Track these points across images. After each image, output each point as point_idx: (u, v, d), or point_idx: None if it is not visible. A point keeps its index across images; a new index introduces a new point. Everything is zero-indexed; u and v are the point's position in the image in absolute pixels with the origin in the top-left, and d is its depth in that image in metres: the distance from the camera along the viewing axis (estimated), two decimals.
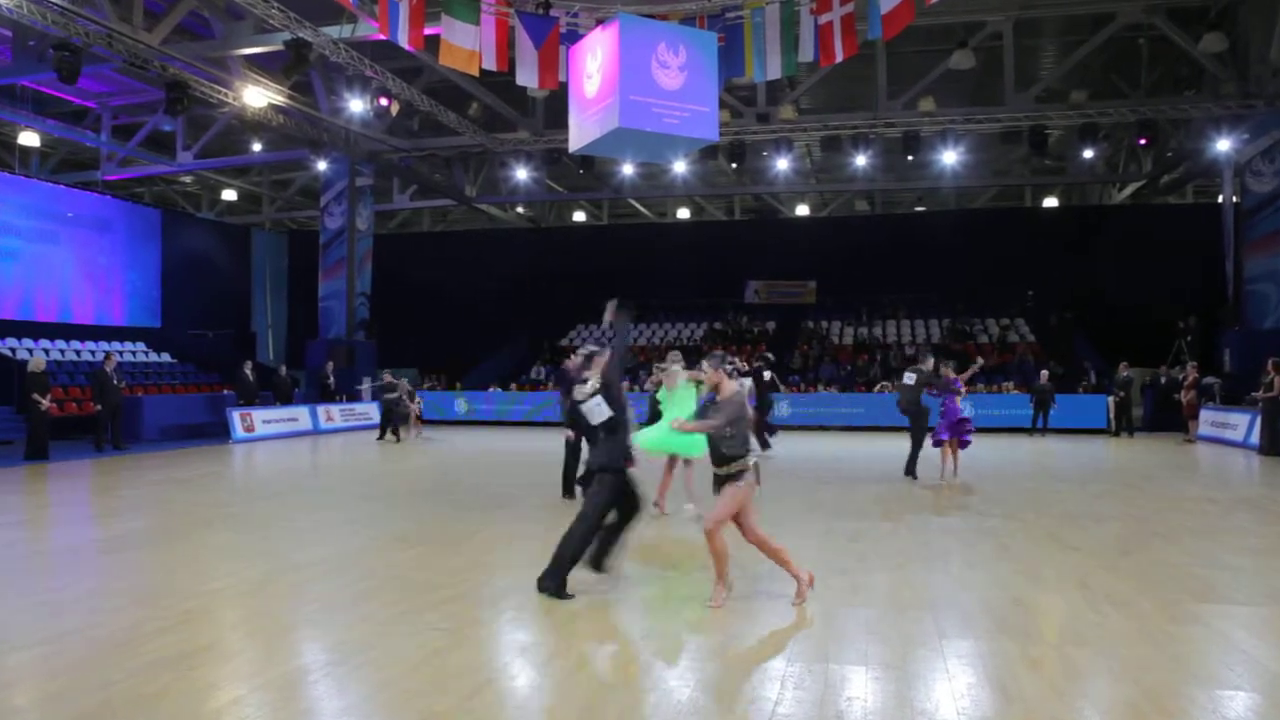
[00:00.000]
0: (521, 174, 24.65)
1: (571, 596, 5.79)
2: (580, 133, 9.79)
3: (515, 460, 15.46)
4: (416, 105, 20.29)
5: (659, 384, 9.03)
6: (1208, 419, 18.78)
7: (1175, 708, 4.02)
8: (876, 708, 4.01)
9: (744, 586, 6.15)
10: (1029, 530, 8.38)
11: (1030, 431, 20.37)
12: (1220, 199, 23.33)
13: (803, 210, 33.49)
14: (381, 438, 19.05)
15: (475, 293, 31.06)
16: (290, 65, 16.37)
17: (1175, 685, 4.31)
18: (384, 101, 18.74)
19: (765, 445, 14.44)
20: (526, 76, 12.14)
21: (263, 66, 19.75)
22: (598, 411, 5.87)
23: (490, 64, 12.11)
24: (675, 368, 8.77)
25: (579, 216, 35.86)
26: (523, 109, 23.16)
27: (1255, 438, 16.28)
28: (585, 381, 6.03)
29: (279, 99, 19.82)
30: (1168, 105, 20.95)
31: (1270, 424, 15.69)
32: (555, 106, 21.31)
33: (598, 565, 6.05)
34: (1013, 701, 4.08)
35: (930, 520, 8.86)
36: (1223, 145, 20.78)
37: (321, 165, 23.93)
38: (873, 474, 13.06)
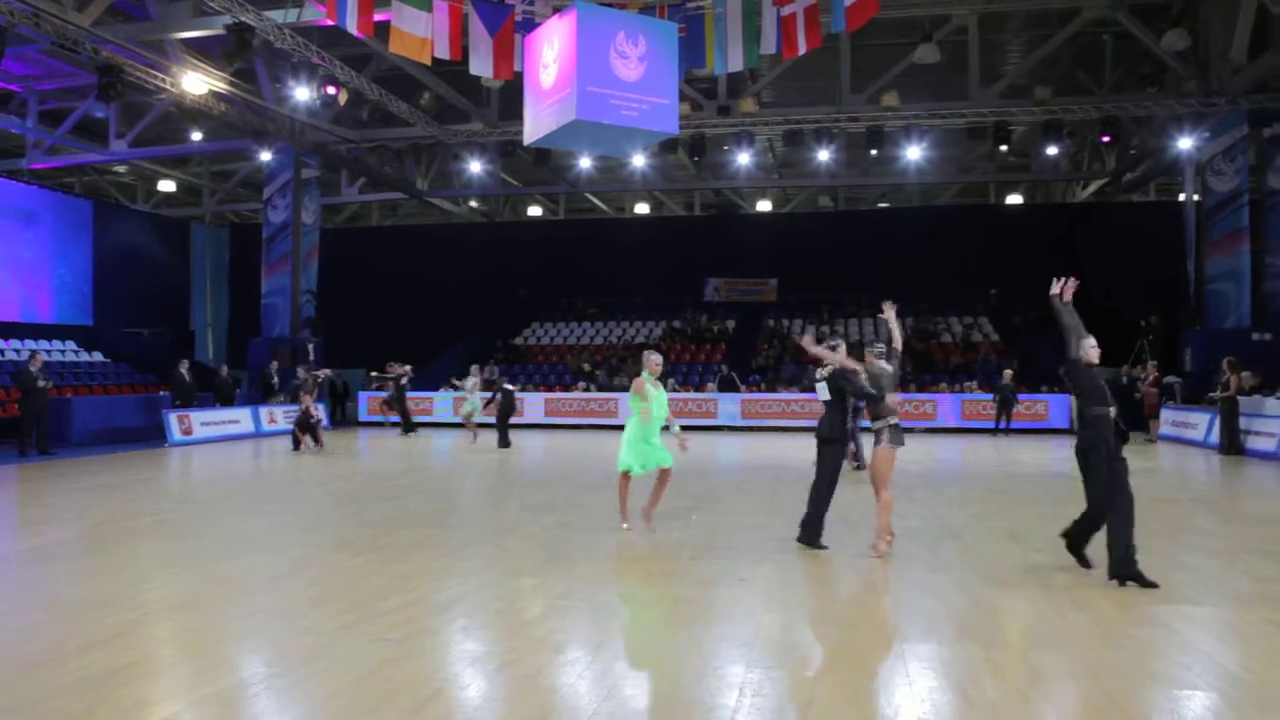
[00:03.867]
0: (475, 167, 24.51)
1: (825, 548, 7.44)
2: (536, 125, 9.74)
3: (468, 463, 15.36)
4: (365, 94, 20.07)
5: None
6: (1169, 418, 19.25)
7: (1136, 710, 4.11)
8: (837, 713, 4.04)
9: (702, 593, 6.17)
10: (992, 532, 8.51)
11: (993, 432, 20.71)
12: (1182, 198, 23.89)
13: (764, 206, 33.69)
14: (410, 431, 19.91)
15: (427, 289, 30.80)
16: (232, 50, 16.10)
17: (1136, 687, 4.40)
18: (331, 90, 18.52)
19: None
20: (480, 66, 12.04)
21: (203, 51, 19.42)
22: (820, 391, 7.84)
23: (443, 52, 12.01)
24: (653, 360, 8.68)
25: (534, 211, 35.73)
26: (477, 100, 23.03)
27: (1215, 437, 16.71)
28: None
29: (220, 86, 19.49)
30: (1130, 102, 21.41)
31: (1228, 423, 16.11)
32: (510, 97, 21.23)
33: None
34: (975, 706, 4.13)
35: (892, 522, 8.94)
36: (1184, 143, 21.28)
37: (265, 156, 23.58)
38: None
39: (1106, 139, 22.27)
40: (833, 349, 7.84)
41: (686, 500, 10.58)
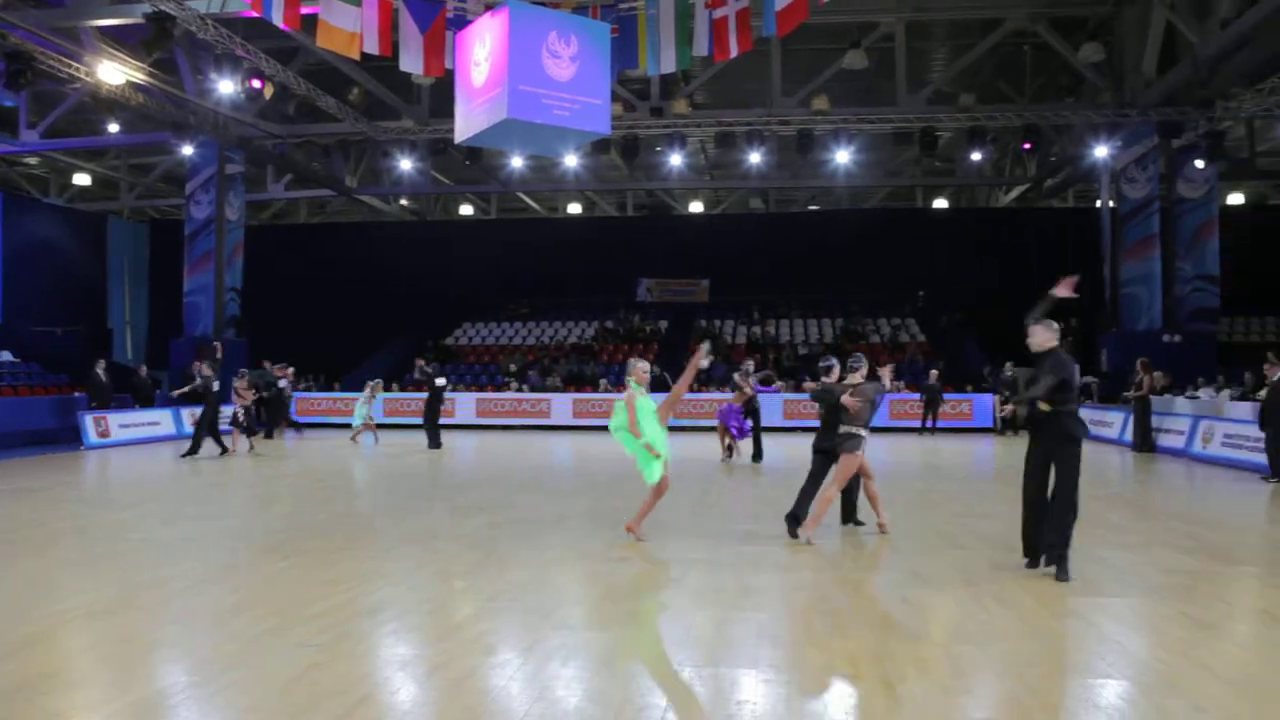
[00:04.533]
0: (405, 164, 24.16)
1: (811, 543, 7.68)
2: (467, 123, 9.65)
3: (398, 464, 15.16)
4: (292, 89, 19.65)
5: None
6: (1086, 417, 19.85)
7: (1054, 699, 4.24)
8: (766, 711, 4.09)
9: (634, 593, 6.19)
10: (918, 529, 8.70)
11: (920, 431, 21.17)
12: (1099, 204, 24.73)
13: (696, 207, 33.92)
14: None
15: (355, 288, 30.31)
16: (151, 40, 15.61)
17: (1054, 677, 4.55)
18: (256, 84, 18.07)
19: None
20: (411, 62, 11.89)
21: (120, 40, 18.80)
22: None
23: (372, 48, 11.82)
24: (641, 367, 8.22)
25: (466, 210, 35.43)
26: (407, 96, 22.74)
27: (1129, 435, 17.35)
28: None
29: (139, 76, 18.89)
30: (1050, 111, 22.10)
31: (1141, 422, 16.74)
32: (442, 94, 21.00)
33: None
34: (900, 701, 4.22)
35: (820, 521, 9.08)
36: (1100, 152, 22.03)
37: (187, 150, 22.88)
38: (763, 475, 13.32)
39: (1027, 146, 22.94)
40: (854, 369, 8.56)
41: (619, 501, 10.60)
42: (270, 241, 30.57)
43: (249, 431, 17.11)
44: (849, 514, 8.94)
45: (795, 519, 8.16)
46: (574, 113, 9.30)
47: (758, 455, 14.78)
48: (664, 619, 5.56)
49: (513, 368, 25.91)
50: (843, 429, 8.18)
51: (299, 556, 7.38)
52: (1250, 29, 16.54)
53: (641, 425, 7.79)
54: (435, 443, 17.49)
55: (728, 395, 15.85)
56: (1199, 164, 21.35)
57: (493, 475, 13.84)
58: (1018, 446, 18.04)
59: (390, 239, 32.41)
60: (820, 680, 4.51)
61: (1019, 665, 4.70)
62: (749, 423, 14.62)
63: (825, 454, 8.42)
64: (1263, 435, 12.62)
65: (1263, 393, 13.06)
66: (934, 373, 21.71)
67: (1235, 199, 30.06)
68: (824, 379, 8.67)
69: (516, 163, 26.41)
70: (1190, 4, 18.11)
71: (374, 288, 30.33)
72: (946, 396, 21.60)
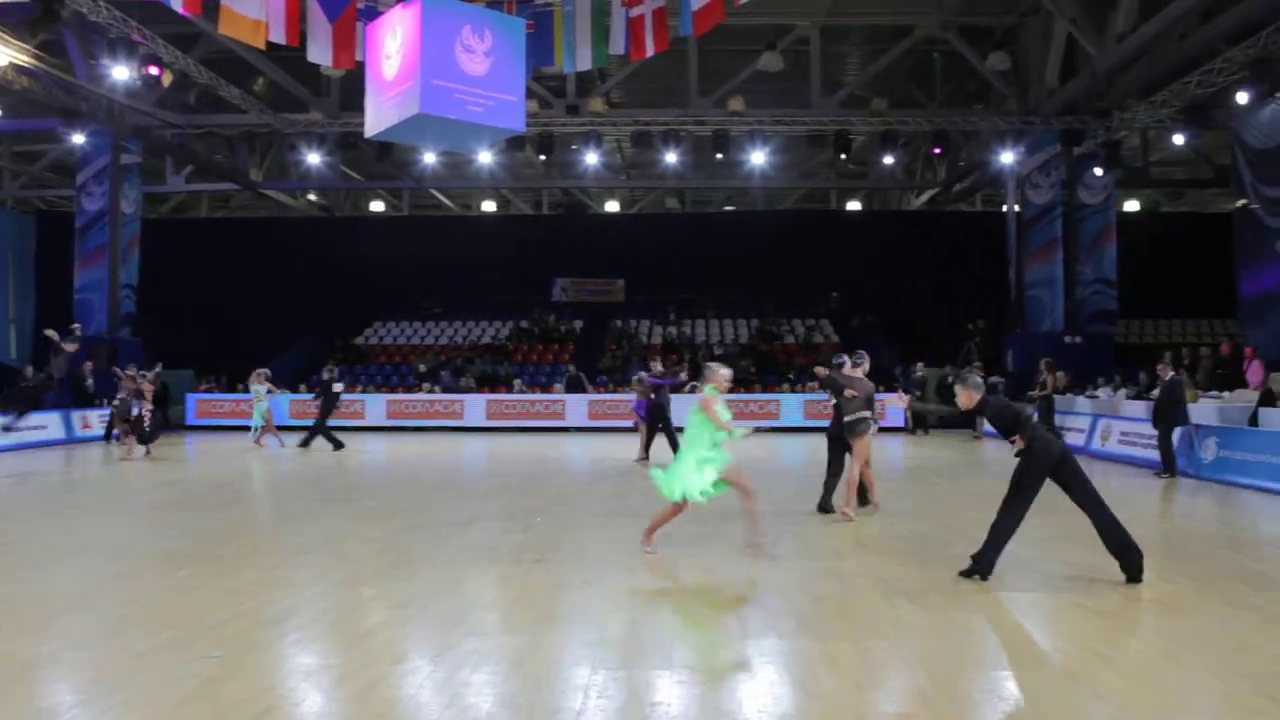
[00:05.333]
0: (314, 158, 23.57)
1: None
2: (378, 117, 9.47)
3: (303, 468, 14.80)
4: (193, 77, 19.02)
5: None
6: None
7: (959, 692, 4.37)
8: (680, 711, 4.11)
9: (547, 596, 6.16)
10: (831, 529, 8.86)
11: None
12: (1005, 209, 25.61)
13: (612, 206, 33.97)
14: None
15: (260, 286, 29.45)
16: (37, 20, 14.91)
17: (960, 671, 4.68)
18: (154, 70, 17.42)
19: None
20: (319, 53, 11.60)
21: (1, 20, 17.90)
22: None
23: (278, 37, 11.49)
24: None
25: (377, 206, 34.81)
26: (316, 88, 22.23)
27: None
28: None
29: (23, 59, 17.99)
30: (959, 117, 22.79)
31: (1044, 420, 17.36)
32: (352, 87, 20.60)
33: None
34: (812, 698, 4.29)
35: (736, 521, 9.19)
36: (1006, 158, 22.80)
37: (78, 138, 21.92)
38: None
39: (937, 151, 23.62)
40: (857, 365, 9.45)
41: (532, 503, 10.55)
42: (169, 236, 29.46)
43: (150, 436, 16.46)
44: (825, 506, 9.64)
45: (824, 509, 9.38)
46: (488, 109, 9.21)
47: (645, 455, 14.84)
48: (578, 621, 5.55)
49: (424, 368, 25.55)
50: (848, 416, 9.11)
51: (197, 565, 7.13)
52: (1144, 43, 17.33)
53: (699, 438, 7.37)
54: (336, 444, 17.17)
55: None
56: (1098, 171, 22.28)
57: (403, 478, 13.62)
58: (928, 446, 18.57)
59: (297, 235, 31.59)
60: (734, 679, 4.55)
61: (927, 660, 4.82)
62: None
63: (836, 440, 9.46)
64: (1155, 433, 13.22)
65: (1156, 392, 13.68)
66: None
67: (1131, 206, 31.45)
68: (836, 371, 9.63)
69: (429, 159, 26.02)
70: (1090, 17, 18.88)
71: (280, 286, 29.53)
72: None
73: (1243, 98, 17.31)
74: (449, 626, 5.46)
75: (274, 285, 29.50)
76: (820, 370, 10.42)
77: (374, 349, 28.36)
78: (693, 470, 7.20)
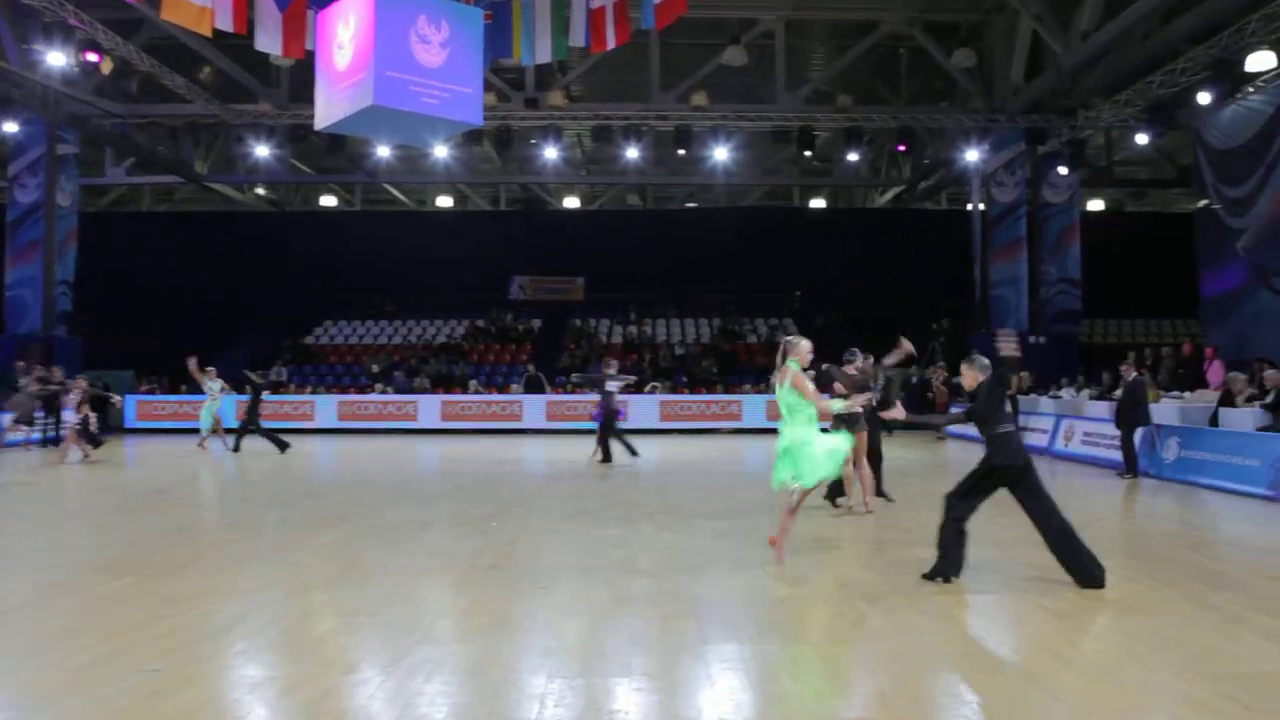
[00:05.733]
0: (262, 151, 23.29)
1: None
2: (329, 109, 9.36)
3: (249, 471, 14.61)
4: (134, 64, 18.68)
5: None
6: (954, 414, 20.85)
7: (921, 695, 4.42)
8: (639, 719, 4.12)
9: (502, 602, 6.14)
10: (794, 531, 8.89)
11: None
12: (970, 207, 25.96)
13: (572, 203, 33.95)
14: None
15: (206, 283, 29.06)
16: None
17: (921, 673, 4.74)
18: (92, 57, 17.10)
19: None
20: (268, 42, 11.43)
21: None
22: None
23: (225, 24, 11.31)
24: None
25: (328, 201, 34.48)
26: (265, 78, 21.97)
27: None
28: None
29: None
30: (924, 114, 23.06)
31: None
32: (302, 77, 20.37)
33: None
34: (773, 703, 4.32)
35: (696, 524, 9.24)
36: (971, 156, 23.12)
37: (10, 127, 21.42)
38: (636, 478, 13.43)
39: (902, 148, 23.87)
40: (849, 361, 10.05)
41: (488, 506, 10.51)
42: (109, 231, 28.99)
43: (92, 440, 16.16)
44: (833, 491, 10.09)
45: (834, 502, 9.97)
46: (444, 101, 9.14)
47: (606, 457, 15.07)
48: (534, 628, 5.53)
49: (377, 368, 25.35)
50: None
51: (137, 574, 7.01)
52: (1108, 42, 17.67)
53: (798, 414, 7.23)
54: (282, 445, 16.98)
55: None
56: (1062, 170, 22.67)
57: (354, 482, 13.50)
58: (891, 446, 18.75)
59: (245, 230, 31.22)
60: (694, 686, 4.57)
61: (889, 663, 4.88)
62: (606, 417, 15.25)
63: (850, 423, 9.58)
64: (1118, 433, 13.48)
65: (1118, 392, 13.95)
66: (810, 373, 22.29)
67: (1095, 205, 32.05)
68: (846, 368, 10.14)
69: (383, 152, 25.85)
70: (1055, 15, 19.20)
71: (226, 283, 29.15)
72: (824, 397, 22.21)
73: (1204, 98, 17.73)
74: (401, 634, 5.42)
75: (220, 282, 29.11)
76: (825, 368, 10.45)
77: (324, 349, 28.06)
78: (823, 451, 7.13)
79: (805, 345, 7.52)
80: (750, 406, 23.15)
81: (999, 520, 9.56)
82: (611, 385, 15.00)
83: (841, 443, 7.32)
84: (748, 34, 21.22)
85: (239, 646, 5.24)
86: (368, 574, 6.98)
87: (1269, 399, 12.35)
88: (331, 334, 29.20)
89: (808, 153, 23.19)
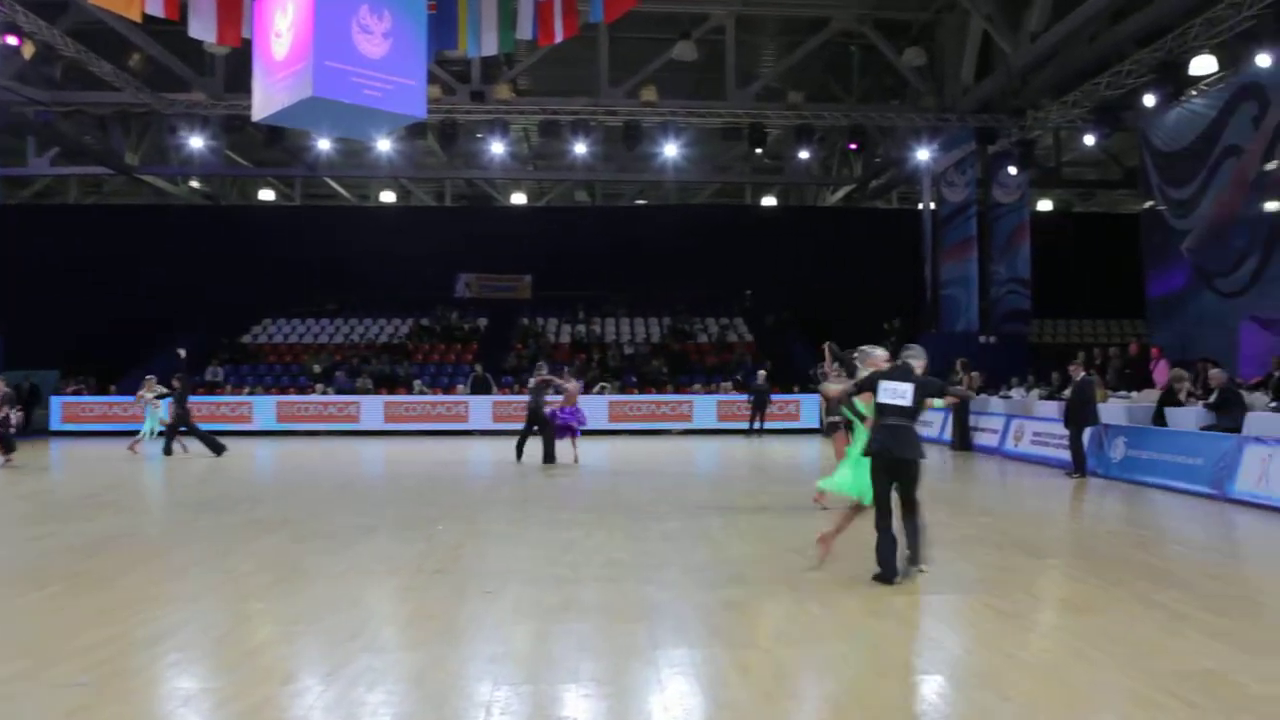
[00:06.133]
0: (196, 142, 22.83)
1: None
2: (266, 99, 9.20)
3: (184, 475, 14.32)
4: (59, 49, 18.20)
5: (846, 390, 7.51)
6: None
7: (873, 698, 4.47)
8: None
9: (447, 608, 6.09)
10: (744, 533, 8.97)
11: (748, 432, 21.87)
12: (920, 206, 26.35)
13: (519, 199, 33.81)
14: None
15: (137, 279, 28.40)
16: None
17: (872, 676, 4.79)
18: (12, 40, 16.63)
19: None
20: (201, 29, 11.18)
21: None
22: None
23: (155, 9, 11.01)
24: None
25: (266, 195, 33.95)
26: (199, 66, 21.55)
27: (948, 434, 18.55)
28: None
29: None
30: (875, 113, 23.34)
31: (960, 421, 17.94)
32: (238, 65, 20.00)
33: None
34: (723, 708, 4.34)
35: (647, 527, 9.25)
36: (922, 155, 23.46)
37: None
38: (585, 480, 13.42)
39: (853, 146, 24.16)
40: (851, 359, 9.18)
41: (433, 510, 10.43)
42: (33, 224, 28.24)
43: (6, 444, 15.71)
44: None
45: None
46: (386, 94, 9.03)
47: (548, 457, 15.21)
48: (480, 635, 5.50)
49: (317, 368, 25.01)
50: (828, 418, 9.55)
51: (62, 584, 6.84)
52: (1057, 43, 18.04)
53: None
54: (217, 448, 16.67)
55: (555, 399, 15.81)
56: (1012, 170, 23.10)
57: (295, 485, 13.31)
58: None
59: (178, 225, 30.60)
60: (643, 692, 4.57)
61: (840, 666, 4.93)
62: (569, 419, 15.26)
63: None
64: (1067, 433, 13.77)
65: (1067, 392, 14.25)
66: (761, 373, 22.50)
67: (1044, 205, 32.71)
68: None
69: (324, 145, 25.50)
70: (1005, 15, 19.57)
71: (159, 279, 28.53)
72: (774, 397, 22.41)
73: (1150, 100, 18.19)
74: (342, 642, 5.35)
75: (152, 279, 28.49)
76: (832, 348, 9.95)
77: (263, 348, 27.62)
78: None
79: (879, 354, 7.42)
80: (701, 407, 23.25)
81: (952, 522, 9.72)
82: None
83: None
84: (698, 29, 21.30)
85: (172, 658, 5.14)
86: (308, 580, 6.89)
87: (1213, 398, 12.70)
88: (270, 333, 28.74)
89: (759, 150, 23.35)
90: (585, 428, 15.61)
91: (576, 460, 15.35)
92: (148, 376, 18.08)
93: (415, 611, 6.09)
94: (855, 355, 8.11)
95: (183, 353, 17.30)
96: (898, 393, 6.62)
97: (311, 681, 4.72)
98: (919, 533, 6.74)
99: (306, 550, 8.08)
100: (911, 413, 6.67)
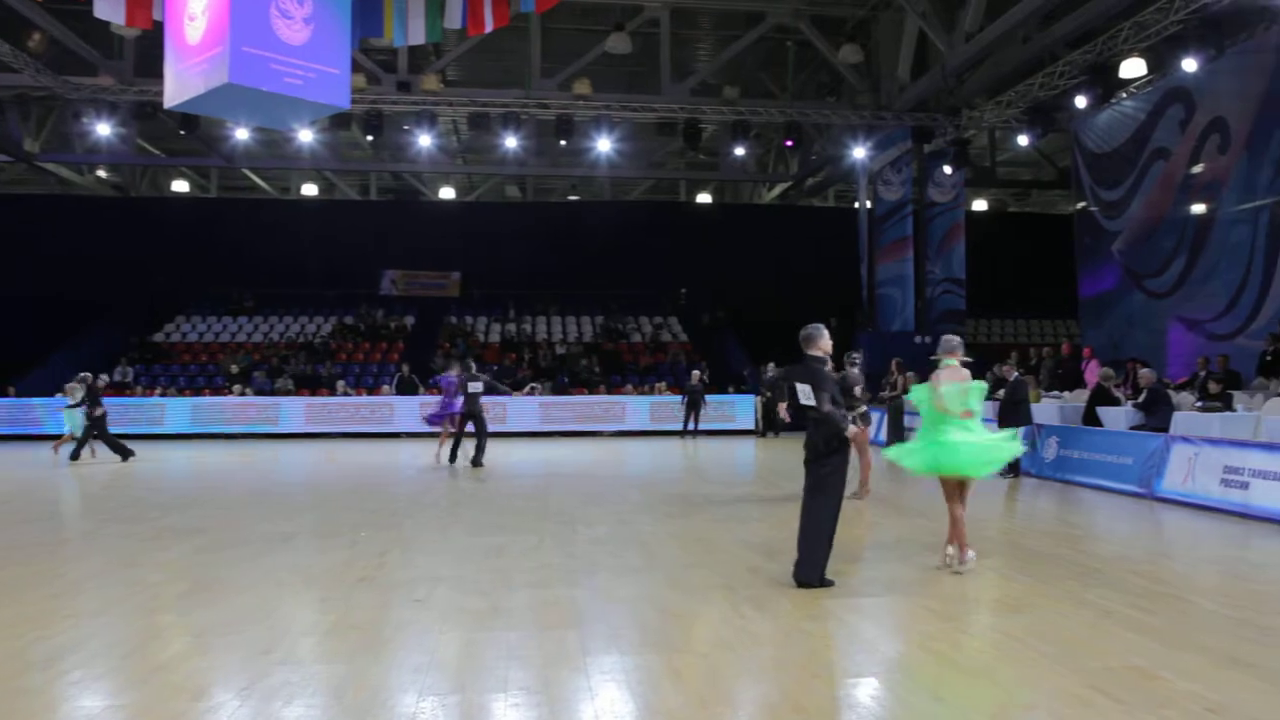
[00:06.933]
0: (104, 129, 22.17)
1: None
2: (180, 85, 8.96)
3: (88, 481, 13.91)
4: None
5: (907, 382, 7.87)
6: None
7: (808, 702, 4.52)
8: None
9: (371, 617, 6.02)
10: (678, 536, 9.01)
11: (682, 434, 21.97)
12: (857, 205, 26.75)
13: (447, 193, 33.53)
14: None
15: (38, 274, 27.49)
16: None
17: (807, 679, 4.85)
18: None
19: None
20: (109, 10, 10.84)
21: None
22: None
23: None
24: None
25: (181, 186, 33.16)
26: (107, 49, 20.92)
27: (883, 434, 18.84)
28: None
29: None
30: (811, 110, 23.63)
31: (895, 421, 18.23)
32: (150, 49, 19.49)
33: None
34: (656, 714, 4.36)
35: (578, 531, 9.24)
36: (858, 153, 23.83)
37: None
38: (515, 484, 13.36)
39: (789, 143, 24.44)
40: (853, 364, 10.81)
41: (356, 516, 10.29)
42: None
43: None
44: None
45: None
46: (308, 82, 8.87)
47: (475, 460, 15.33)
48: (405, 645, 5.44)
49: (235, 368, 24.49)
50: (851, 412, 9.46)
51: None
52: (991, 43, 18.46)
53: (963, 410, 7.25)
54: (124, 453, 16.25)
55: (488, 400, 15.70)
56: (947, 170, 23.58)
57: (209, 492, 13.01)
58: (780, 449, 19.13)
59: (85, 216, 29.65)
60: (574, 700, 4.57)
61: (774, 671, 4.98)
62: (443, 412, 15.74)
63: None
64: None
65: (1001, 393, 14.58)
66: (696, 374, 22.61)
67: (979, 205, 33.46)
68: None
69: (242, 134, 24.96)
70: (940, 14, 19.96)
71: (63, 274, 27.64)
72: (709, 398, 22.55)
73: (1081, 101, 18.73)
74: (258, 655, 5.25)
75: (55, 273, 27.60)
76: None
77: (176, 347, 26.96)
78: (990, 441, 7.38)
79: (957, 341, 7.68)
80: (634, 408, 23.29)
81: (887, 524, 9.89)
82: (474, 386, 15.23)
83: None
84: (632, 21, 21.34)
85: (74, 675, 4.98)
86: (222, 591, 6.74)
87: (1142, 398, 13.12)
88: (184, 331, 28.06)
89: (694, 146, 23.47)
90: (516, 430, 15.61)
91: (439, 459, 15.68)
92: (69, 385, 17.56)
93: (337, 622, 5.99)
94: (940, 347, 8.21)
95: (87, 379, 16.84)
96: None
97: (226, 696, 4.62)
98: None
99: (221, 560, 7.90)
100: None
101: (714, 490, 12.65)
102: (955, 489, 7.36)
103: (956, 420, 7.19)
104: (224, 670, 5.07)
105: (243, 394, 23.39)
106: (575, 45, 21.92)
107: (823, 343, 7.22)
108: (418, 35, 12.56)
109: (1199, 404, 13.27)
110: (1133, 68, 17.85)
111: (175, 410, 22.57)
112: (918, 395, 7.53)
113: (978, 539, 7.62)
